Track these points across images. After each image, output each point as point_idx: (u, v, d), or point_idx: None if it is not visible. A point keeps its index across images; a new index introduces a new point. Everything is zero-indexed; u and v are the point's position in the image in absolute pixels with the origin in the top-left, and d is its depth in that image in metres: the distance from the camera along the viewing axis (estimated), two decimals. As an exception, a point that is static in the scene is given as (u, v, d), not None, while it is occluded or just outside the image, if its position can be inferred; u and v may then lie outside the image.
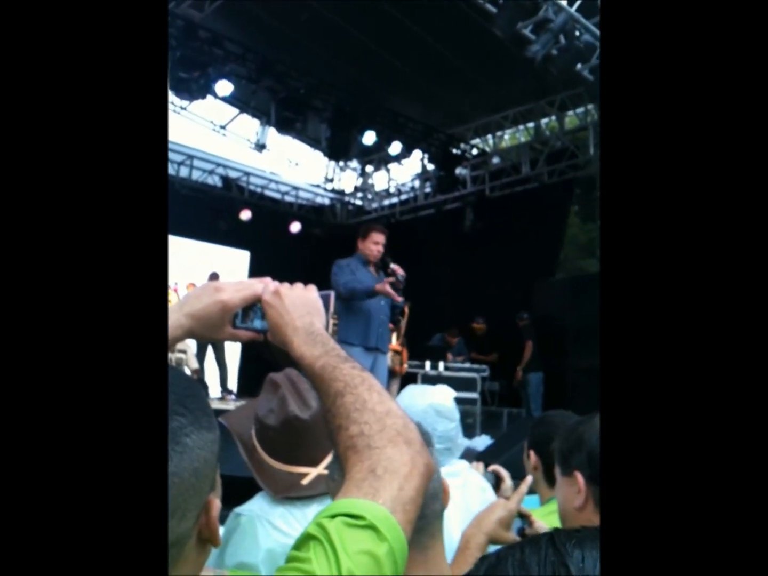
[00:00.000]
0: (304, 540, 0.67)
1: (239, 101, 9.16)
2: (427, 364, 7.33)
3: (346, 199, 11.78)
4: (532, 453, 1.82)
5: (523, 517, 1.33)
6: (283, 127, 8.00)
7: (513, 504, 1.32)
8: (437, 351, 8.04)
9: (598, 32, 5.48)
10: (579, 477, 1.16)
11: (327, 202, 11.68)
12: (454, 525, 1.44)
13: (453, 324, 8.68)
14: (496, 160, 9.99)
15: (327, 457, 1.38)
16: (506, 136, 10.02)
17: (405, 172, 11.18)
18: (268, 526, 1.31)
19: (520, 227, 8.86)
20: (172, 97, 7.59)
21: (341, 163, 11.46)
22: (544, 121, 9.39)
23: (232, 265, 9.95)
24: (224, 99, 8.25)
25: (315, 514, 0.71)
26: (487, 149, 10.01)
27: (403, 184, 11.24)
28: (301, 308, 0.91)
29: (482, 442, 5.57)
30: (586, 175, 8.93)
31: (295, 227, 10.41)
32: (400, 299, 4.33)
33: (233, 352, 8.59)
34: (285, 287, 0.94)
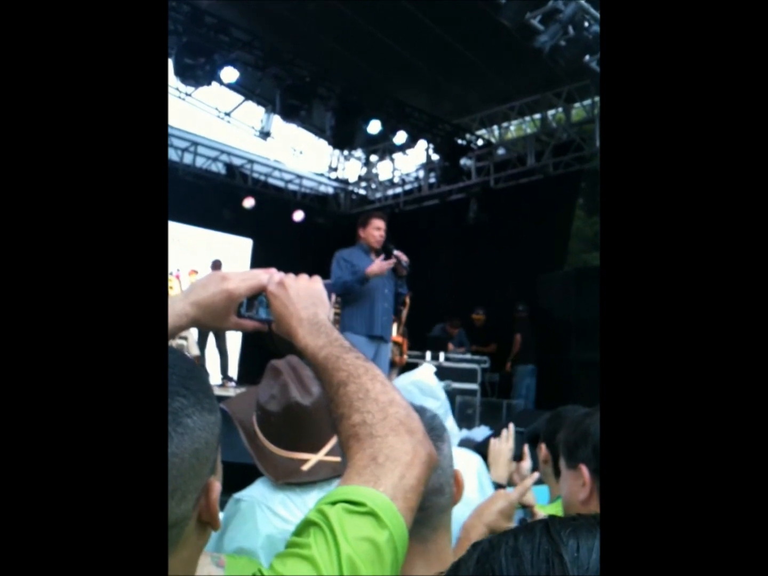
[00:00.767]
0: (305, 526, 0.67)
1: (244, 88, 9.12)
2: (428, 354, 7.35)
3: (350, 188, 11.75)
4: (543, 447, 1.82)
5: (526, 507, 1.33)
6: (288, 115, 7.96)
7: (515, 495, 1.32)
8: (438, 342, 8.07)
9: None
10: (584, 470, 1.15)
11: (331, 191, 11.65)
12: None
13: (455, 315, 8.69)
14: (501, 151, 9.95)
15: (328, 443, 1.38)
16: (512, 128, 9.97)
17: (409, 162, 11.13)
18: (267, 512, 1.32)
19: (525, 219, 8.84)
20: (177, 83, 7.58)
21: (345, 152, 11.41)
22: (550, 112, 9.33)
23: (234, 252, 9.94)
24: (229, 86, 8.21)
25: (315, 500, 0.71)
26: (493, 140, 9.96)
27: (407, 174, 11.19)
28: (306, 299, 0.92)
29: (481, 432, 5.57)
30: (592, 168, 8.89)
31: (299, 216, 10.39)
32: (404, 272, 4.32)
33: (234, 339, 8.62)
34: (290, 278, 0.95)
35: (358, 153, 11.48)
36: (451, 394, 6.28)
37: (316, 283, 0.96)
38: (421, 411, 0.85)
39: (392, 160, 11.29)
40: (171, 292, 4.56)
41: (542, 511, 1.33)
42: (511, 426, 1.72)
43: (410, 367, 6.75)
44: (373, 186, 11.64)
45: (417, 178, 10.98)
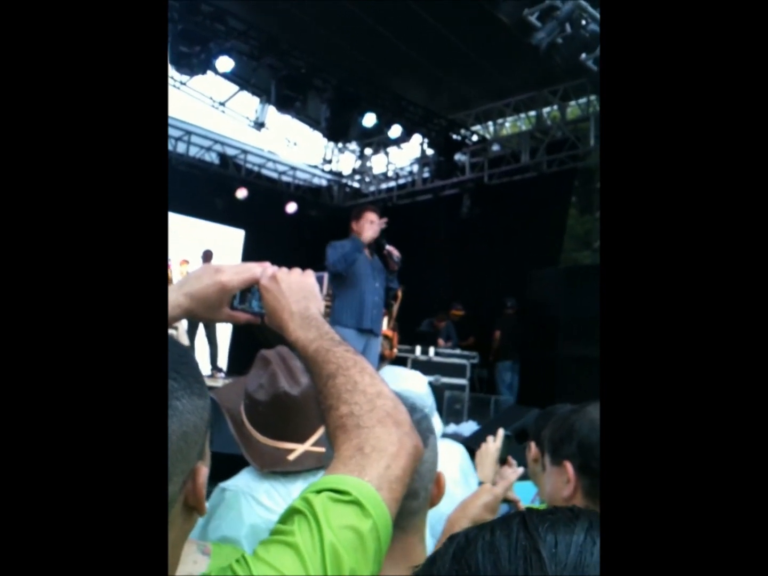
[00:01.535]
0: (289, 514, 0.67)
1: (239, 78, 9.07)
2: (418, 349, 7.36)
3: (344, 181, 11.72)
4: (532, 445, 1.82)
5: (510, 502, 1.34)
6: (283, 106, 7.93)
7: (499, 489, 1.33)
8: (428, 336, 8.09)
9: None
10: (569, 467, 1.15)
11: (324, 183, 11.62)
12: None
13: (441, 309, 8.72)
14: (495, 147, 9.95)
15: (315, 434, 1.38)
16: (507, 124, 9.97)
17: (404, 156, 11.12)
18: (252, 501, 1.32)
19: (517, 216, 8.85)
20: (172, 71, 7.51)
21: (340, 145, 11.39)
22: (545, 110, 9.34)
23: (226, 243, 9.91)
24: (224, 75, 8.16)
25: (300, 491, 0.71)
26: (488, 136, 9.96)
27: (401, 168, 11.18)
28: (298, 293, 0.93)
29: (469, 427, 5.60)
30: (584, 167, 8.91)
31: (292, 207, 10.36)
32: (396, 267, 4.32)
33: (224, 330, 8.59)
34: (282, 272, 0.96)
35: (353, 146, 11.45)
36: (439, 389, 6.31)
37: (309, 277, 0.97)
38: (411, 410, 0.85)
39: (386, 153, 11.27)
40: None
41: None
42: (501, 430, 1.78)
43: (400, 361, 6.78)
44: (367, 179, 11.62)
45: (411, 173, 10.97)
